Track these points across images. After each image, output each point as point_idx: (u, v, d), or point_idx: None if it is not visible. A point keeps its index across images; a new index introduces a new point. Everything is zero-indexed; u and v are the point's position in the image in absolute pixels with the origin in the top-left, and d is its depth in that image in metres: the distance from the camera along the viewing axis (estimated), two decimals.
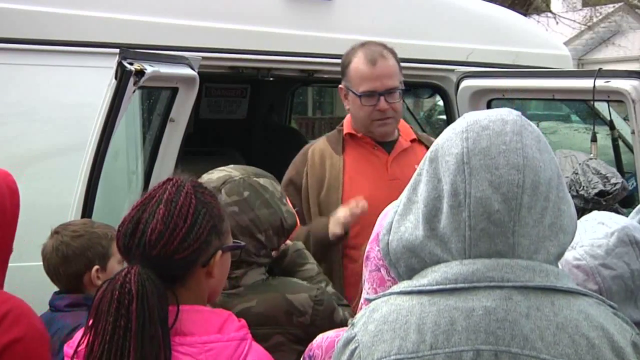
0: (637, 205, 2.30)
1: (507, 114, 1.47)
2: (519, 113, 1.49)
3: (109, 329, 1.63)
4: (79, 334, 1.76)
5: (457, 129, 1.47)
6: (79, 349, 1.71)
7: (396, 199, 1.59)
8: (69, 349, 1.77)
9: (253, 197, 2.28)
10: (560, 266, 1.94)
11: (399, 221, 1.50)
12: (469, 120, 1.47)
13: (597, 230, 1.96)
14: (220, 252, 1.78)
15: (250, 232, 2.26)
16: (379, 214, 1.89)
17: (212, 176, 2.32)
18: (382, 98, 3.11)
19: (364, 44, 3.18)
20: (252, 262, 2.29)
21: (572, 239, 1.50)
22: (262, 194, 2.30)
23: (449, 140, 1.46)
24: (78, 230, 2.64)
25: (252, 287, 2.27)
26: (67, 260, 2.59)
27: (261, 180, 2.33)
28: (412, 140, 3.30)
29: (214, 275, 1.79)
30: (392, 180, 3.12)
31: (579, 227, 2.00)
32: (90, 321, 1.68)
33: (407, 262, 1.48)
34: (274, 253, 2.39)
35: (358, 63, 3.13)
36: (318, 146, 3.26)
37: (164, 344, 1.63)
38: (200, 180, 2.24)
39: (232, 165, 2.41)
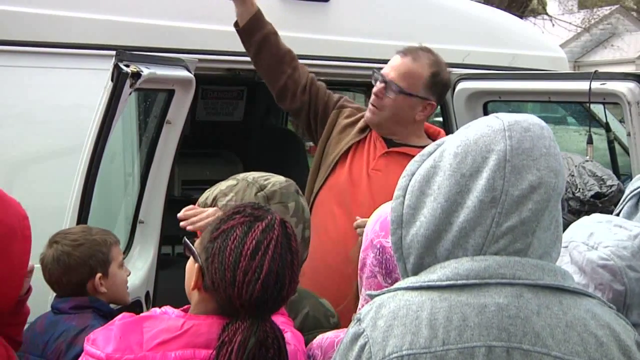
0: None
1: (540, 120, 1.49)
2: None
3: None
4: (100, 334, 1.77)
5: (494, 126, 1.46)
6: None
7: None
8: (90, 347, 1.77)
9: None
10: (575, 266, 1.93)
11: (413, 215, 1.47)
12: (509, 120, 1.46)
13: (617, 232, 1.94)
14: None
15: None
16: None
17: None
18: (380, 83, 3.16)
19: (422, 47, 3.24)
20: None
21: None
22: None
23: (486, 137, 1.45)
24: (78, 239, 2.62)
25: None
26: (70, 270, 2.59)
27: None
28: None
29: None
30: (373, 170, 3.18)
31: (592, 228, 1.99)
32: None
33: (418, 258, 1.47)
34: None
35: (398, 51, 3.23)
36: (360, 120, 3.33)
37: None
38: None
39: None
